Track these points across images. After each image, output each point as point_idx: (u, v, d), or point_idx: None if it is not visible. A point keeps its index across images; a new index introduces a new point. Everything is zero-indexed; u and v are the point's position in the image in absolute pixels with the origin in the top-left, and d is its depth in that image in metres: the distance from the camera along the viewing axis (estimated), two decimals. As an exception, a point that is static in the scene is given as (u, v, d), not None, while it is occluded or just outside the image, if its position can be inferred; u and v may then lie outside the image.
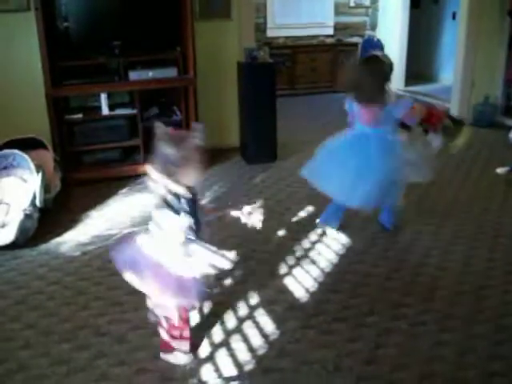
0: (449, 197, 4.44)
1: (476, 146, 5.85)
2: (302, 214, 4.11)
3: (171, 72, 4.89)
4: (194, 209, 2.26)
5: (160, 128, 2.33)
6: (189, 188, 2.25)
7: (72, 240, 3.76)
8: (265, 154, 5.31)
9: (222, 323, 2.79)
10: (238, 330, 2.73)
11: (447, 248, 3.56)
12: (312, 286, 3.13)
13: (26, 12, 4.62)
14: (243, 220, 2.49)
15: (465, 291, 3.05)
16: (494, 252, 3.50)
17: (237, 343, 2.63)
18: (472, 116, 6.78)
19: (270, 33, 8.97)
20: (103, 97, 4.81)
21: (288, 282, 3.18)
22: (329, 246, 3.60)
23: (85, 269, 3.38)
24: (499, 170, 4.98)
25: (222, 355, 2.54)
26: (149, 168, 2.24)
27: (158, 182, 2.22)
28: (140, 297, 2.96)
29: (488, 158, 5.41)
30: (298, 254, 3.52)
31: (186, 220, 2.21)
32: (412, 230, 3.82)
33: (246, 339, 2.66)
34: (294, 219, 4.03)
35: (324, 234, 3.76)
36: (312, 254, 3.52)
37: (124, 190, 4.65)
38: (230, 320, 2.81)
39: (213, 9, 5.39)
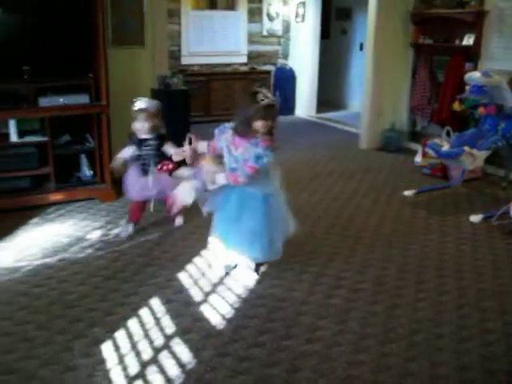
0: (360, 219, 4.59)
1: (384, 170, 6.11)
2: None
3: (83, 98, 4.80)
4: None
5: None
6: None
7: (-23, 273, 3.58)
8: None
9: (138, 354, 2.73)
10: (154, 360, 2.69)
11: (359, 270, 3.67)
12: (228, 312, 3.13)
13: None
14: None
15: (377, 311, 3.15)
16: (404, 272, 3.64)
17: (153, 375, 2.58)
18: (380, 141, 7.08)
19: (184, 60, 9.02)
20: (12, 123, 4.65)
21: (204, 309, 3.17)
22: (244, 272, 3.61)
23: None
24: (406, 193, 5.21)
25: (137, 387, 2.49)
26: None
27: None
28: (50, 332, 2.88)
29: (396, 182, 5.65)
30: (214, 280, 3.52)
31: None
32: (325, 254, 3.91)
33: (162, 370, 2.61)
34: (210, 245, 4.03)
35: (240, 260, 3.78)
36: (227, 280, 3.53)
37: (34, 220, 4.49)
38: (146, 351, 2.76)
39: (126, 36, 5.38)
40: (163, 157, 4.11)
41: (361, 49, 9.31)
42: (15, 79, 4.60)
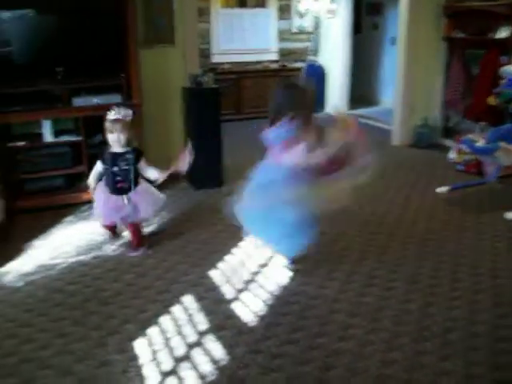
0: (392, 217, 4.54)
1: (417, 166, 6.04)
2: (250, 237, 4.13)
3: (115, 98, 4.85)
4: None
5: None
6: None
7: (15, 270, 3.65)
8: (211, 180, 5.31)
9: (170, 351, 2.76)
10: (187, 357, 2.71)
11: (392, 268, 3.64)
12: (261, 309, 3.14)
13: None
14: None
15: (411, 309, 3.11)
16: (437, 270, 3.60)
17: (186, 371, 2.60)
18: (413, 137, 6.99)
19: (214, 59, 9.05)
20: (47, 124, 4.73)
21: (236, 306, 3.18)
22: (276, 270, 3.61)
23: (28, 299, 3.28)
24: (440, 190, 5.14)
25: (171, 384, 2.51)
26: None
27: None
28: (85, 328, 2.93)
29: (428, 179, 5.58)
30: (246, 278, 3.53)
31: None
32: (357, 252, 3.88)
33: (195, 366, 2.63)
34: (241, 243, 4.04)
35: (272, 257, 3.79)
36: (260, 277, 3.53)
37: (69, 218, 4.57)
38: (179, 348, 2.78)
39: (157, 35, 5.41)
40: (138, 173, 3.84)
41: (392, 43, 9.20)
42: (49, 80, 4.68)
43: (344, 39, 9.23)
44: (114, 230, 4.11)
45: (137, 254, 3.85)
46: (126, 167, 3.73)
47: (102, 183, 3.85)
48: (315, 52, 9.79)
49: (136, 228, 3.92)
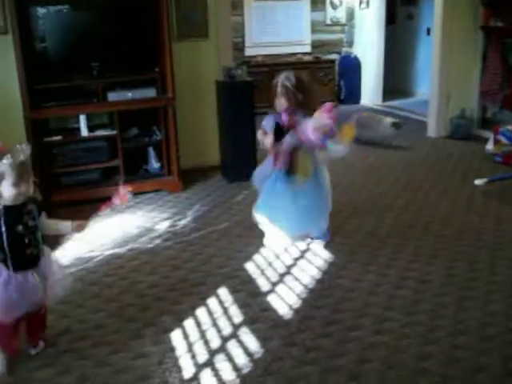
0: (429, 209, 4.48)
1: (454, 158, 5.94)
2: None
3: (150, 92, 4.90)
4: None
5: None
6: None
7: (53, 263, 3.71)
8: (245, 173, 5.30)
9: (206, 343, 2.78)
10: (222, 349, 2.72)
11: (428, 260, 3.59)
12: (295, 302, 3.13)
13: (4, 35, 4.62)
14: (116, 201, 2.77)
15: (447, 303, 3.07)
16: (474, 263, 3.53)
17: (221, 363, 2.61)
18: (449, 129, 6.88)
19: (248, 52, 9.05)
20: (82, 118, 4.80)
21: (271, 299, 3.18)
22: (311, 262, 3.61)
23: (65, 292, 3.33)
24: (477, 182, 5.05)
25: (206, 375, 2.52)
26: None
27: None
28: (121, 319, 2.97)
29: (465, 171, 5.49)
30: (281, 271, 3.53)
31: None
32: (392, 245, 3.84)
33: (230, 358, 2.64)
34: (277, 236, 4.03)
35: (307, 250, 3.78)
36: (294, 270, 3.53)
37: (105, 211, 4.61)
38: (214, 340, 2.80)
39: (190, 29, 5.44)
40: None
41: (428, 33, 9.05)
42: (85, 75, 4.75)
43: (378, 30, 9.13)
44: (17, 331, 2.63)
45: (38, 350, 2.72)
46: (33, 223, 2.50)
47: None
48: (350, 43, 9.71)
49: (42, 317, 2.74)
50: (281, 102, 3.50)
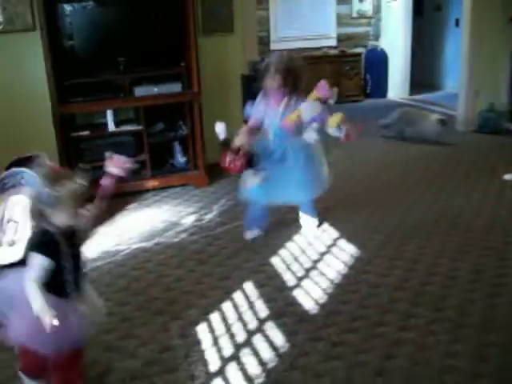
0: (457, 204, 4.42)
1: (483, 152, 5.86)
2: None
3: (176, 87, 4.92)
4: None
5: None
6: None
7: (81, 257, 3.76)
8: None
9: (232, 337, 2.79)
10: (248, 343, 2.73)
11: (456, 256, 3.54)
12: (321, 297, 3.12)
13: (32, 32, 4.68)
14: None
15: (476, 299, 3.03)
16: (504, 259, 3.48)
17: (247, 357, 2.62)
18: (477, 123, 6.78)
19: (273, 46, 9.01)
20: (109, 113, 4.85)
21: (297, 294, 3.18)
22: (337, 257, 3.59)
23: (93, 285, 3.35)
24: (507, 177, 4.97)
25: (231, 369, 2.54)
26: None
27: None
28: (148, 312, 3.00)
29: (494, 165, 5.40)
30: (307, 265, 3.52)
31: None
32: (419, 240, 3.81)
33: (255, 353, 2.65)
34: (302, 231, 4.03)
35: (333, 244, 3.77)
36: (320, 265, 3.52)
37: (132, 206, 4.67)
38: (240, 334, 2.81)
39: (216, 24, 5.44)
40: None
41: (456, 25, 8.91)
42: (111, 71, 4.79)
43: (405, 22, 9.03)
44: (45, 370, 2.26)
45: None
46: (78, 252, 2.25)
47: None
48: (376, 36, 9.62)
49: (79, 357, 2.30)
50: (272, 81, 3.57)
